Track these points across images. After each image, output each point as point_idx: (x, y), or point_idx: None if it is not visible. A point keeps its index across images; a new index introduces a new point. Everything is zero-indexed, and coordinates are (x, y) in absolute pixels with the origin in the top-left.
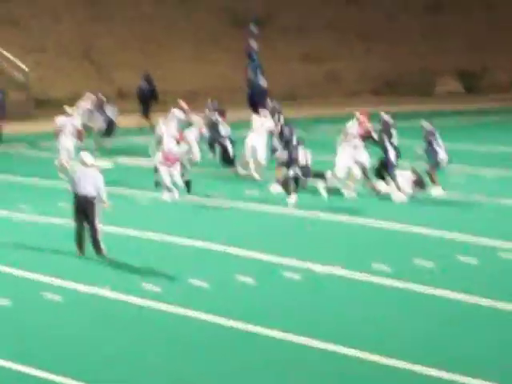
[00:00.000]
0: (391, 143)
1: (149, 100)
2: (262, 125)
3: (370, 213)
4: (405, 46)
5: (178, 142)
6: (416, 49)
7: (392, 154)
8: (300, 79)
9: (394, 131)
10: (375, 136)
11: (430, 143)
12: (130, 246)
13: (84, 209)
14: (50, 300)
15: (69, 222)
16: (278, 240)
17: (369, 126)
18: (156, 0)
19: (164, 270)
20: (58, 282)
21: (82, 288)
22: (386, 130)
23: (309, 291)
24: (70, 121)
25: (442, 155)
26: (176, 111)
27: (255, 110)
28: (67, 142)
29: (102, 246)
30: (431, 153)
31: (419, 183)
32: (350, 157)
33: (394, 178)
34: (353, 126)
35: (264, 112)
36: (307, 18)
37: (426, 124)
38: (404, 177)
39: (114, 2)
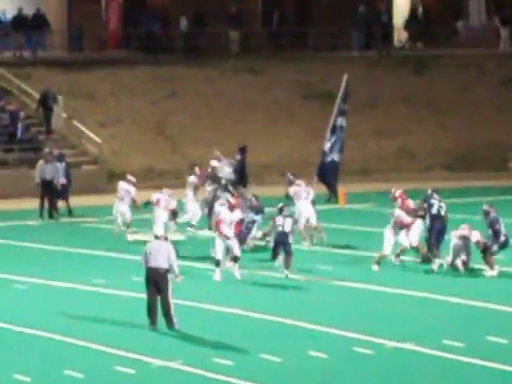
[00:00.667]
0: (432, 216)
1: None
2: (308, 193)
3: (440, 287)
4: (478, 119)
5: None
6: (490, 123)
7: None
8: (372, 154)
9: (435, 203)
10: (420, 212)
11: (495, 232)
12: (202, 319)
13: (156, 282)
14: (123, 373)
15: (141, 296)
16: (349, 314)
17: (409, 203)
18: (229, 75)
19: (236, 345)
20: (130, 355)
21: (154, 361)
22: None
23: (380, 367)
24: (125, 187)
25: (503, 239)
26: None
27: (325, 183)
28: (120, 207)
29: (174, 319)
30: (494, 241)
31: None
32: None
33: (431, 249)
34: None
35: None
36: (379, 92)
37: (488, 209)
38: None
39: (188, 78)
